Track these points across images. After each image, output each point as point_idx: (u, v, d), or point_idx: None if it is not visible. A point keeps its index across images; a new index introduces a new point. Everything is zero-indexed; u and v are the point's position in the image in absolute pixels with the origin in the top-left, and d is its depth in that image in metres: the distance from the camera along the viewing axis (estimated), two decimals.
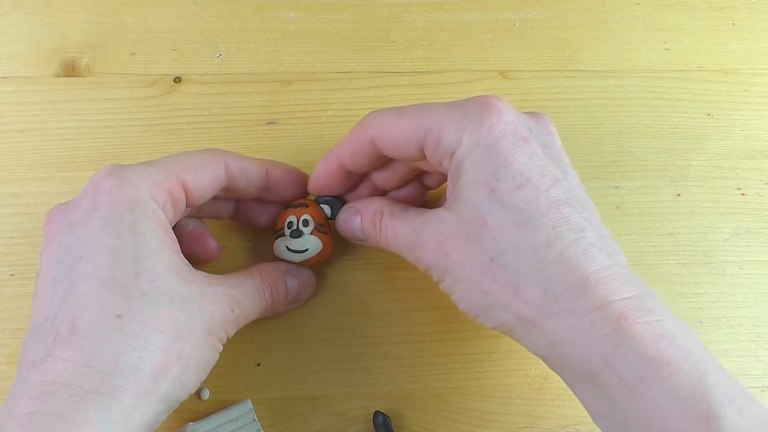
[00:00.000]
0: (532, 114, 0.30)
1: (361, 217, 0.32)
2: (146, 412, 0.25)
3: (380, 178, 0.33)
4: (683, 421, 0.22)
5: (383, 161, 0.32)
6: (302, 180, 0.34)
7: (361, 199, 0.34)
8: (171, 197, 0.29)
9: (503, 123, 0.27)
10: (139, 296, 0.26)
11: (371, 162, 0.32)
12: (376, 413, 0.33)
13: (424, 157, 0.30)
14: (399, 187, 0.34)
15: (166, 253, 0.27)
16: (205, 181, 0.30)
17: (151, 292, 0.26)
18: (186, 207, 0.30)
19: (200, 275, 0.29)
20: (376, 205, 0.32)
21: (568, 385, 0.27)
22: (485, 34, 0.44)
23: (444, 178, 0.31)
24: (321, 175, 0.33)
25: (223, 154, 0.31)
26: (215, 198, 0.32)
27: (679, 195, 0.40)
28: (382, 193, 0.34)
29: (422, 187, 0.35)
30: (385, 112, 0.30)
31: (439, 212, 0.29)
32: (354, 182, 0.34)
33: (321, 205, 0.34)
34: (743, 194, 0.40)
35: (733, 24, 0.45)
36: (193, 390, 0.28)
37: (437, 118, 0.28)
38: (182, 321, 0.26)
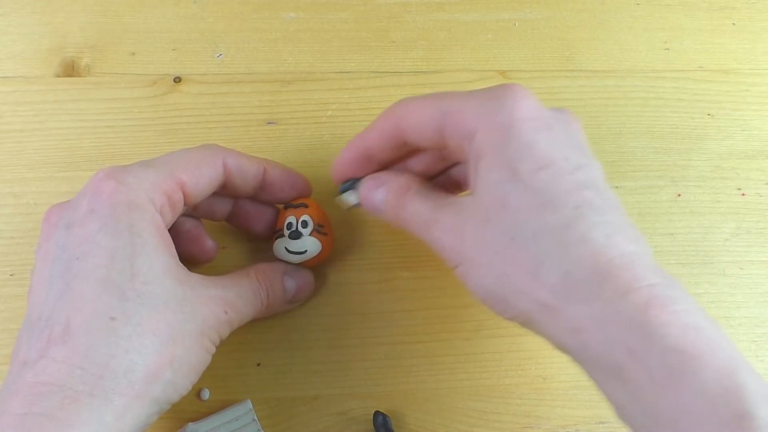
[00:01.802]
0: (557, 108, 0.29)
1: (385, 188, 0.31)
2: (138, 415, 0.25)
3: (410, 164, 0.33)
4: (714, 419, 0.21)
5: (406, 151, 0.32)
6: (299, 182, 0.34)
7: (386, 171, 0.33)
8: (169, 200, 0.29)
9: (525, 107, 0.27)
10: (134, 298, 0.26)
11: (395, 148, 0.31)
12: (376, 413, 0.33)
13: (445, 143, 0.29)
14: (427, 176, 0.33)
15: (162, 256, 0.27)
16: (203, 179, 0.30)
17: (145, 294, 0.26)
18: (183, 206, 0.30)
19: (195, 278, 0.29)
20: (403, 179, 0.31)
21: (592, 379, 0.26)
22: (485, 34, 0.44)
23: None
24: (344, 160, 0.32)
25: (220, 150, 0.31)
26: (212, 195, 0.32)
27: (679, 195, 0.40)
28: None
29: (452, 186, 0.34)
30: (411, 98, 0.30)
31: (461, 197, 0.29)
32: (376, 167, 0.33)
33: (343, 193, 0.33)
34: (743, 194, 0.40)
35: (733, 24, 0.45)
36: (185, 392, 0.28)
37: (458, 101, 0.28)
38: (175, 324, 0.26)
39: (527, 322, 0.27)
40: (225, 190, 0.32)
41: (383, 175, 0.32)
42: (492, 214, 0.26)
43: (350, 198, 0.33)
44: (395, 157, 0.32)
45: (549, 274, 0.25)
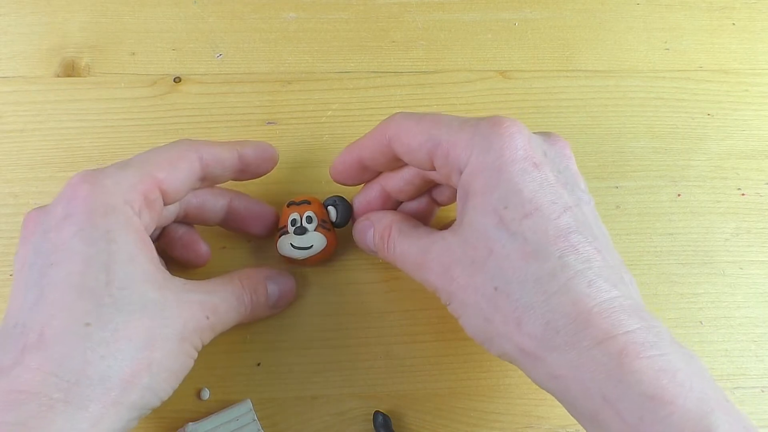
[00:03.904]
0: (548, 136, 0.29)
1: (373, 231, 0.32)
2: (115, 421, 0.25)
3: (392, 185, 0.33)
4: None
5: (400, 163, 0.32)
6: (274, 154, 0.34)
7: (375, 212, 0.34)
8: (146, 200, 0.28)
9: (513, 148, 0.27)
10: (110, 304, 0.25)
11: (388, 162, 0.31)
12: (376, 413, 0.33)
13: (434, 167, 0.29)
14: (411, 197, 0.34)
15: (139, 261, 0.27)
16: (181, 176, 0.30)
17: (122, 300, 0.26)
18: (164, 205, 0.30)
19: (176, 282, 0.28)
20: (386, 220, 0.32)
21: (577, 422, 0.26)
22: (485, 34, 0.44)
23: (455, 195, 0.30)
24: (340, 165, 0.33)
25: (194, 145, 0.31)
26: (202, 197, 0.32)
27: (679, 195, 0.40)
28: (393, 202, 0.34)
29: (433, 203, 0.34)
30: (406, 116, 0.30)
31: (447, 234, 0.29)
32: (372, 175, 0.34)
33: (327, 207, 0.35)
34: (743, 194, 0.40)
35: (733, 24, 0.45)
36: (166, 397, 0.28)
37: (449, 131, 0.28)
38: (154, 329, 0.26)
39: (512, 362, 0.28)
40: (205, 182, 0.32)
41: (371, 216, 0.33)
42: (479, 259, 0.27)
43: (331, 213, 0.35)
44: (389, 168, 0.33)
45: (531, 324, 0.25)
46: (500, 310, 0.26)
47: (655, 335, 0.24)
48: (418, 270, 0.30)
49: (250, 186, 0.38)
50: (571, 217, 0.26)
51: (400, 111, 0.31)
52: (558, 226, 0.26)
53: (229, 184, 0.35)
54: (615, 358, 0.23)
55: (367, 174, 0.33)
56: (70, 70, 0.41)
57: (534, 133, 0.28)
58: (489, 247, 0.26)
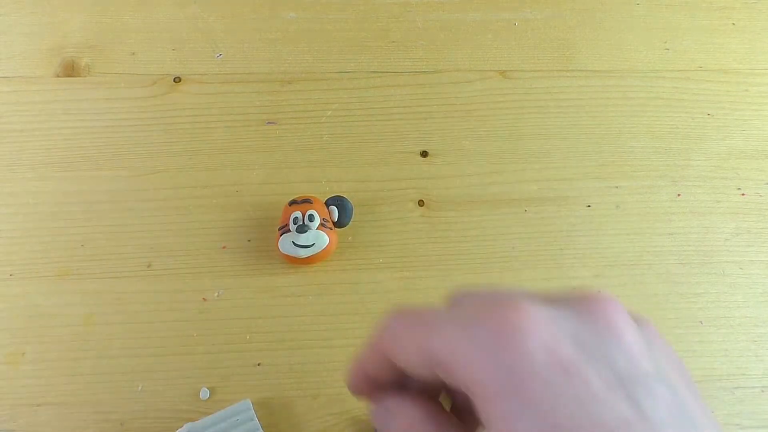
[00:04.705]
0: (576, 306, 0.20)
1: (393, 426, 0.23)
2: None
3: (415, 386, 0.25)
4: None
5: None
6: None
7: (394, 397, 0.24)
8: None
9: (529, 353, 0.18)
10: None
11: (396, 374, 0.24)
12: None
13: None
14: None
15: None
16: None
17: None
18: None
19: None
20: (406, 417, 0.23)
21: None
22: (485, 34, 0.44)
23: None
24: (353, 381, 0.25)
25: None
26: None
27: (679, 195, 0.40)
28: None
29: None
30: (397, 323, 0.22)
31: None
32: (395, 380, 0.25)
33: (329, 207, 0.35)
34: (743, 194, 0.40)
35: (733, 24, 0.45)
36: None
37: (445, 342, 0.20)
38: None
39: None
40: None
41: (391, 405, 0.24)
42: None
43: (333, 213, 0.36)
44: (401, 376, 0.24)
45: None
46: None
47: None
48: None
49: (251, 187, 0.38)
50: None
51: (396, 308, 0.22)
52: None
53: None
54: None
55: (381, 384, 0.25)
56: (70, 70, 0.41)
57: (555, 305, 0.20)
58: None
